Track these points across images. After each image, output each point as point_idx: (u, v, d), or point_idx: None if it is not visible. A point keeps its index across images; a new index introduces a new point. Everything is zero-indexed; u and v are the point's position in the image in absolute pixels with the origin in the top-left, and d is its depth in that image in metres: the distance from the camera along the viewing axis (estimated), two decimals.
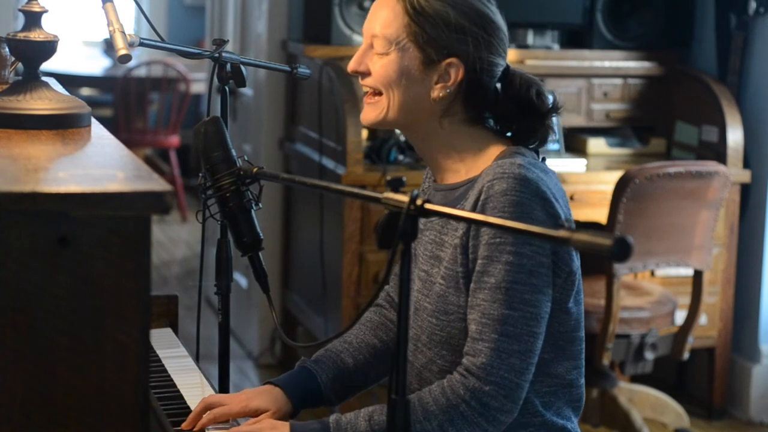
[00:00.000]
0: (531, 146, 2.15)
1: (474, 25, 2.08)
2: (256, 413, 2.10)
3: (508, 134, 2.17)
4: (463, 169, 2.14)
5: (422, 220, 2.14)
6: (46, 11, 2.10)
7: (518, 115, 2.14)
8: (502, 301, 1.98)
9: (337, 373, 2.21)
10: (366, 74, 2.13)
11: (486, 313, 1.99)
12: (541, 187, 2.01)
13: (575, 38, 4.85)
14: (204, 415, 2.08)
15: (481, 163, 2.12)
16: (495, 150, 2.12)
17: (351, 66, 2.15)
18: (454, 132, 2.12)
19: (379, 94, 2.12)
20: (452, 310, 2.07)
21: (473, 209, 2.02)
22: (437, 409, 1.99)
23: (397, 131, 4.32)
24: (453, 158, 2.13)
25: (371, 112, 2.13)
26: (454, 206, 2.09)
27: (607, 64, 4.75)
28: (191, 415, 2.10)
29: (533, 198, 1.99)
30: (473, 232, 2.03)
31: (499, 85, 2.13)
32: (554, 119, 2.18)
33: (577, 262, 2.08)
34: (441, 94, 2.09)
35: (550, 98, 2.16)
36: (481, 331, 1.99)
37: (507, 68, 2.15)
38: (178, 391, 2.27)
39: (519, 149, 2.11)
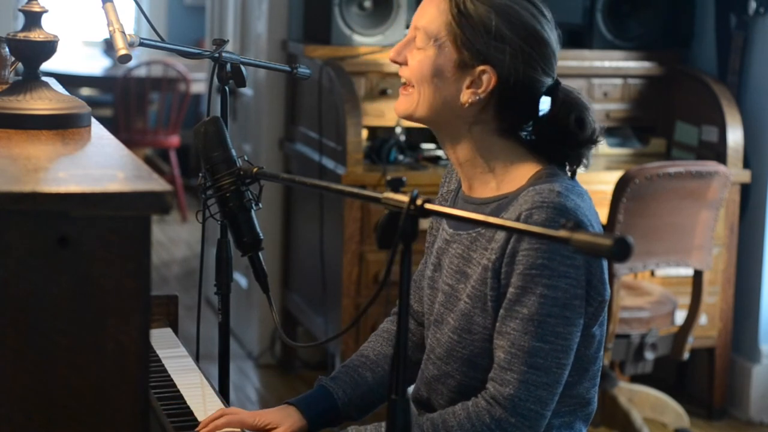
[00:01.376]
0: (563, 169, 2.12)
1: (516, 36, 2.04)
2: (267, 427, 2.12)
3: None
4: (493, 182, 2.11)
5: (449, 233, 2.14)
6: (46, 11, 2.10)
7: (552, 137, 2.10)
8: (533, 333, 1.97)
9: (355, 388, 2.20)
10: (404, 64, 2.12)
11: (516, 344, 1.98)
12: (579, 217, 1.99)
13: (575, 38, 4.85)
14: (219, 419, 2.10)
15: (513, 179, 2.09)
16: (528, 168, 2.09)
17: (391, 55, 2.14)
18: (485, 141, 2.09)
19: (413, 86, 2.10)
20: (477, 330, 2.06)
21: (508, 234, 2.00)
22: None
23: (398, 131, 4.33)
24: (481, 168, 2.11)
25: (402, 103, 2.12)
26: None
27: (607, 64, 4.75)
28: (207, 419, 2.11)
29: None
30: (507, 259, 2.00)
31: (548, 101, 2.09)
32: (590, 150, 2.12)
33: (609, 290, 2.06)
34: (471, 100, 2.06)
35: (595, 126, 2.09)
36: (510, 361, 1.98)
37: (555, 86, 2.10)
38: (178, 391, 2.27)
39: (554, 170, 2.08)
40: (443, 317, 2.12)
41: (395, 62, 2.13)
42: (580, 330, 2.01)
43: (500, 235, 2.03)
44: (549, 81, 2.10)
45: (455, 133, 2.11)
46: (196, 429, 2.11)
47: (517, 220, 1.99)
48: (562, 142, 2.09)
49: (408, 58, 2.10)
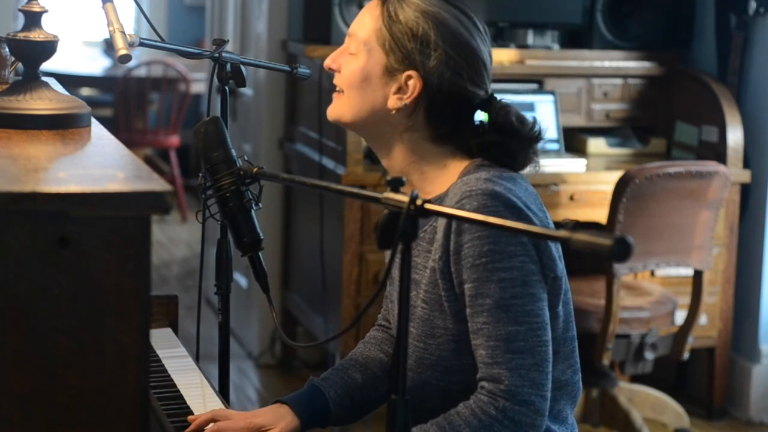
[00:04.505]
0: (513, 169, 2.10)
1: (443, 42, 2.04)
2: (261, 430, 2.10)
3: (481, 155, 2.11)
4: (427, 186, 2.11)
5: None
6: (46, 11, 2.10)
7: (501, 140, 2.08)
8: (505, 318, 1.96)
9: (345, 389, 2.19)
10: (337, 72, 2.14)
11: (492, 335, 1.97)
12: (511, 199, 1.98)
13: (575, 38, 4.85)
14: (208, 427, 2.09)
15: (444, 179, 2.09)
16: (458, 164, 2.09)
17: (326, 62, 2.16)
18: (417, 148, 2.10)
19: (344, 92, 2.12)
20: (439, 333, 2.05)
21: (447, 231, 2.00)
22: None
23: None
24: (417, 175, 2.11)
25: (332, 108, 2.15)
26: (423, 227, 2.08)
27: (607, 64, 4.75)
28: (197, 421, 2.10)
29: (505, 211, 1.96)
30: (454, 257, 1.99)
31: (484, 116, 2.09)
32: (538, 148, 2.11)
33: (561, 266, 2.05)
34: (397, 106, 2.07)
35: (536, 124, 2.09)
36: (492, 355, 1.97)
37: (490, 100, 2.10)
38: (178, 391, 2.27)
39: (482, 162, 2.07)
40: None
41: (330, 69, 2.15)
42: (546, 304, 2.00)
43: (439, 235, 2.02)
44: (481, 93, 2.09)
45: (387, 141, 2.11)
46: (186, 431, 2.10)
47: None
48: (506, 143, 2.08)
49: (341, 66, 2.13)
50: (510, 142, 2.08)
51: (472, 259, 1.97)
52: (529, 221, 1.98)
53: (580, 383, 2.14)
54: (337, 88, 2.14)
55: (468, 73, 2.07)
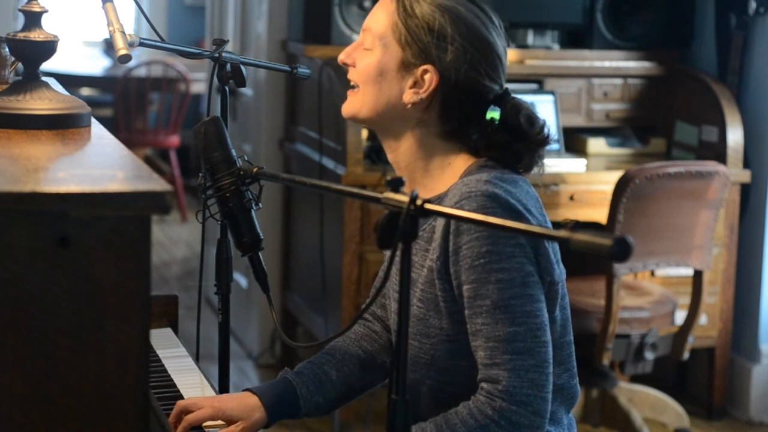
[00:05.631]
0: (517, 170, 2.09)
1: (459, 36, 2.05)
2: (228, 419, 2.09)
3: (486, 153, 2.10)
4: (430, 184, 2.11)
5: None
6: (46, 11, 2.10)
7: (508, 141, 2.08)
8: (504, 319, 1.96)
9: (318, 385, 2.19)
10: (352, 67, 2.13)
11: (491, 336, 1.96)
12: (510, 201, 1.98)
13: (575, 38, 4.85)
14: (180, 425, 2.07)
15: (447, 178, 2.09)
16: (461, 163, 2.09)
17: (340, 57, 2.16)
18: (426, 144, 2.09)
19: (359, 88, 2.12)
20: (434, 333, 2.05)
21: (445, 232, 2.00)
22: (466, 431, 1.97)
23: None
24: (421, 171, 2.11)
25: (347, 105, 2.14)
26: (422, 226, 2.07)
27: (607, 64, 4.75)
28: (170, 421, 2.09)
29: (504, 214, 1.96)
30: (452, 258, 1.99)
31: (496, 114, 2.08)
32: (544, 151, 2.11)
33: (558, 271, 2.04)
34: (413, 100, 2.06)
35: (544, 127, 2.09)
36: (491, 356, 1.96)
37: (504, 94, 2.10)
38: (178, 391, 2.27)
39: (485, 162, 2.07)
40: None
41: (344, 64, 2.15)
42: (545, 306, 2.00)
43: (437, 234, 2.02)
44: (495, 88, 2.09)
45: (398, 135, 2.11)
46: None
47: None
48: (512, 144, 2.08)
49: (356, 60, 2.12)
50: (516, 144, 2.08)
51: (470, 260, 1.97)
52: (528, 223, 1.98)
53: (578, 387, 2.14)
54: (352, 83, 2.13)
55: (484, 68, 2.07)
